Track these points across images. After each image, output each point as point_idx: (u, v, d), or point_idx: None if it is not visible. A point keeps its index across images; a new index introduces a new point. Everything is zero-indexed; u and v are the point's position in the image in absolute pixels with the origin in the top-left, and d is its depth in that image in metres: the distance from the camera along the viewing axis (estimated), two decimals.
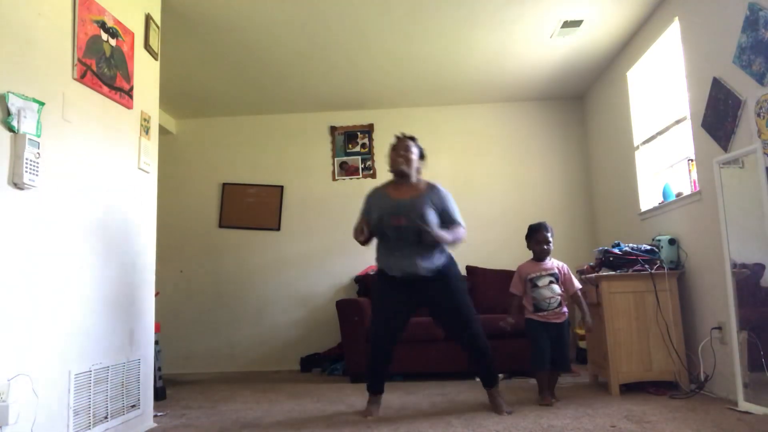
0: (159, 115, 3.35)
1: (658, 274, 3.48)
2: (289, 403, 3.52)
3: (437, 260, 3.06)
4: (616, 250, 3.62)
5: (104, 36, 2.68)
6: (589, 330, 3.58)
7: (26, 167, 2.07)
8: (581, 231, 5.40)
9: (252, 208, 5.61)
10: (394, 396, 3.55)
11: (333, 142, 5.67)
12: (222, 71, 4.67)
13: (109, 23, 2.74)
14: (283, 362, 5.34)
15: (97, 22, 2.64)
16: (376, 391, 3.14)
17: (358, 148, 5.64)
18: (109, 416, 2.56)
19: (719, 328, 3.19)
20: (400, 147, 3.16)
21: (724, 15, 3.07)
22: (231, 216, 5.61)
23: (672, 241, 3.61)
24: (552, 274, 3.24)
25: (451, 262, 3.14)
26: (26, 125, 2.10)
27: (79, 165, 2.48)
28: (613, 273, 3.54)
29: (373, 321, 3.15)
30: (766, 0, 2.73)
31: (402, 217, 3.01)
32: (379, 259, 3.17)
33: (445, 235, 2.99)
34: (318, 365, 5.11)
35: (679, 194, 3.66)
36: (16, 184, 2.07)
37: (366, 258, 4.87)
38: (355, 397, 3.62)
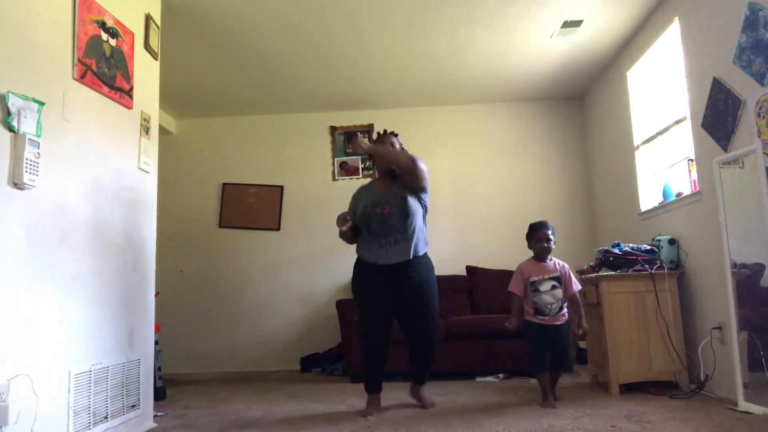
0: (159, 115, 3.35)
1: (658, 274, 3.48)
2: (289, 403, 3.52)
3: (421, 248, 3.12)
4: (616, 250, 3.62)
5: (104, 36, 2.68)
6: (582, 337, 3.55)
7: (26, 167, 2.07)
8: (581, 231, 5.40)
9: (252, 208, 5.61)
10: (394, 396, 3.55)
11: (333, 142, 5.67)
12: (222, 71, 4.67)
13: (109, 23, 2.74)
14: (283, 362, 5.34)
15: (97, 22, 2.64)
16: (374, 391, 3.14)
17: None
18: (109, 416, 2.56)
19: (719, 328, 3.19)
20: (386, 143, 3.21)
21: (724, 15, 3.07)
22: (231, 216, 5.61)
23: (672, 241, 3.61)
24: (555, 278, 3.18)
25: (430, 264, 3.19)
26: (26, 125, 2.10)
27: (79, 165, 2.48)
28: (613, 273, 3.54)
29: (361, 317, 3.11)
30: (766, 0, 2.73)
31: (386, 206, 3.06)
32: (360, 248, 3.19)
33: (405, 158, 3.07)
34: (318, 365, 5.11)
35: (679, 194, 3.66)
36: (16, 184, 2.07)
37: None
38: (355, 397, 3.62)
